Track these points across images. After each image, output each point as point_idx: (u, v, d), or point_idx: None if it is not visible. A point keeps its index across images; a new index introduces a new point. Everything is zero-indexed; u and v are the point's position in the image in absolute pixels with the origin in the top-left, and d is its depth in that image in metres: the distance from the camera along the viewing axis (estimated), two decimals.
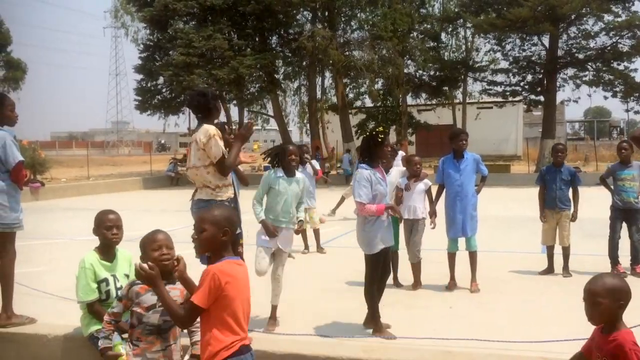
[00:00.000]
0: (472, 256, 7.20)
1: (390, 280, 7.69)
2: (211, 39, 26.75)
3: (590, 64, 30.07)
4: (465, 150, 7.28)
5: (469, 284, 7.07)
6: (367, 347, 4.28)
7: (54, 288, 6.99)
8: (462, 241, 7.16)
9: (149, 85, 32.23)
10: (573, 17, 28.46)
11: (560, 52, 30.07)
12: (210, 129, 4.68)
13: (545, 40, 30.23)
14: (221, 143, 4.69)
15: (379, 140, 5.45)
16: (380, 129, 5.59)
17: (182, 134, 69.83)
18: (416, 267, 7.41)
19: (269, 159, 5.86)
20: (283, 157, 5.75)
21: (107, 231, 4.23)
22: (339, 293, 6.83)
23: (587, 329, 3.00)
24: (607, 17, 28.85)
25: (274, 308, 5.65)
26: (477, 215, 7.30)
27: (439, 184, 7.48)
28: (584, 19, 29.13)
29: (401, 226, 7.53)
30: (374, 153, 5.48)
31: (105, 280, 4.19)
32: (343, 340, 4.80)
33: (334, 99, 33.93)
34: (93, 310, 4.18)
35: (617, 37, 29.25)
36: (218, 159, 4.64)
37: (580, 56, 30.17)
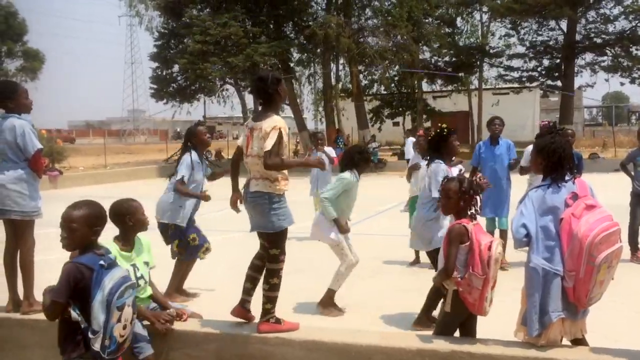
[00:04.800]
0: (503, 234, 7.54)
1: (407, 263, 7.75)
2: (226, 26, 26.66)
3: (608, 48, 29.63)
4: (500, 136, 7.76)
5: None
6: (385, 335, 4.28)
7: None
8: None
9: (164, 73, 32.29)
10: (592, 0, 28.02)
11: (578, 37, 29.64)
12: (278, 121, 4.36)
13: (563, 24, 29.81)
14: (284, 139, 4.37)
15: (445, 134, 5.56)
16: (445, 125, 5.68)
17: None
18: None
19: (346, 162, 6.00)
20: (364, 161, 5.95)
21: (144, 217, 4.30)
22: (359, 280, 6.82)
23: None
24: (627, 1, 28.39)
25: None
26: (509, 198, 7.62)
27: (473, 167, 7.81)
28: (603, 2, 28.67)
29: None
30: (443, 149, 5.59)
31: (126, 271, 4.19)
32: (361, 328, 4.79)
33: (349, 86, 33.79)
34: None
35: (637, 21, 28.77)
36: (268, 149, 4.26)
37: (599, 41, 29.72)
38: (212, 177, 6.56)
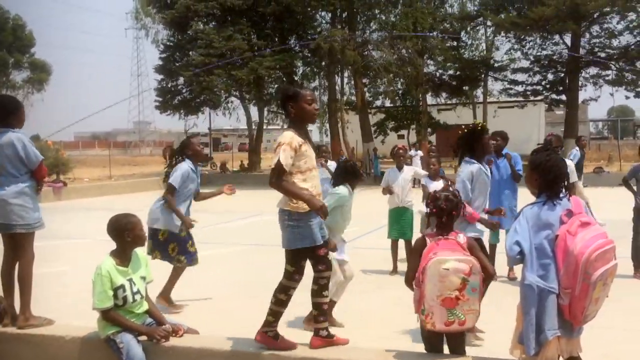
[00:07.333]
0: (492, 248, 7.56)
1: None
2: (231, 39, 26.84)
3: (612, 62, 29.66)
4: (504, 149, 7.94)
5: (507, 273, 7.66)
6: (380, 353, 4.24)
7: (74, 288, 7.05)
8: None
9: (169, 85, 32.43)
10: (596, 15, 28.07)
11: (582, 51, 29.68)
12: (284, 136, 4.27)
13: (567, 39, 29.87)
14: (289, 153, 4.18)
15: (479, 130, 5.46)
16: (478, 122, 5.58)
17: (203, 134, 70.02)
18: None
19: (338, 176, 5.96)
20: (354, 176, 5.90)
21: (142, 232, 4.32)
22: (361, 294, 6.79)
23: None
24: (631, 16, 28.42)
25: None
26: (516, 210, 7.55)
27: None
28: (608, 17, 28.72)
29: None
30: (476, 146, 5.48)
31: (122, 286, 4.19)
32: (364, 343, 4.75)
33: (353, 99, 33.84)
34: (108, 316, 4.19)
35: None
36: (273, 166, 4.18)
37: (603, 55, 29.76)
38: (198, 197, 6.64)
